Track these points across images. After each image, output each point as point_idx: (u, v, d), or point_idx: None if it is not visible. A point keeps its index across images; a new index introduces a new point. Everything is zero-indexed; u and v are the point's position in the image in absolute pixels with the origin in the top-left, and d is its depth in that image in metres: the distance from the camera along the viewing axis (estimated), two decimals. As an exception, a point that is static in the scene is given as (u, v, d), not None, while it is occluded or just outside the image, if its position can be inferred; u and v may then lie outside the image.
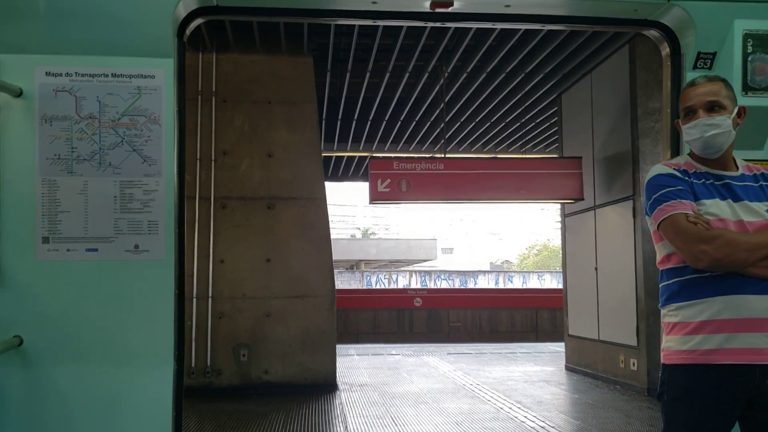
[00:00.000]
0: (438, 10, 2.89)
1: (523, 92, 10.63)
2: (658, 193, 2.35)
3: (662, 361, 2.41)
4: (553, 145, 14.15)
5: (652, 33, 3.12)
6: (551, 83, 10.24)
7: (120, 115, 2.75)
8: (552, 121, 12.45)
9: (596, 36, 8.49)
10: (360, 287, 29.53)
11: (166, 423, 2.75)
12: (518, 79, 10.06)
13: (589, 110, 9.60)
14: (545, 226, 52.93)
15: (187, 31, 2.86)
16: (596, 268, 9.37)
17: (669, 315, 2.39)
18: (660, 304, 2.46)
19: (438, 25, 3.12)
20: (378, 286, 32.45)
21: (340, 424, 6.79)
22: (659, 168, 2.44)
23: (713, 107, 2.35)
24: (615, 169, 8.86)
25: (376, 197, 9.11)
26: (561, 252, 11.12)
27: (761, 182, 2.40)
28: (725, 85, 2.40)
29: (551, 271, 38.21)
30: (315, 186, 8.79)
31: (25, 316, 2.69)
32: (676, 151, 3.06)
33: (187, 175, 2.90)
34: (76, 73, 2.73)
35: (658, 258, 2.46)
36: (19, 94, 2.70)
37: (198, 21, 2.88)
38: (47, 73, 2.72)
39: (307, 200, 8.71)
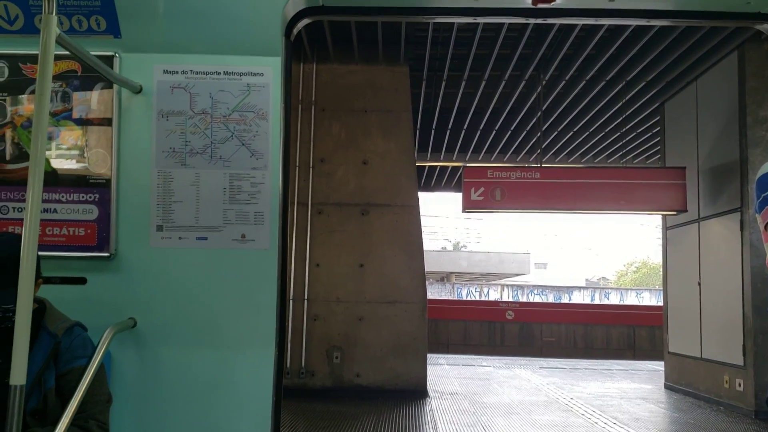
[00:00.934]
0: (540, 5, 2.86)
1: (623, 101, 10.35)
2: None
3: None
4: (654, 155, 13.67)
5: (767, 27, 2.98)
6: (653, 92, 9.93)
7: (230, 111, 2.88)
8: (654, 131, 12.04)
9: (702, 42, 8.19)
10: (450, 298, 29.38)
11: (266, 407, 2.83)
12: (618, 87, 9.81)
13: (693, 119, 9.25)
14: (645, 243, 51.09)
15: (294, 31, 2.97)
16: (699, 283, 8.97)
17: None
18: (769, 306, 2.36)
19: (539, 21, 3.08)
20: (468, 299, 32.20)
21: (431, 430, 6.78)
22: None
23: None
24: (721, 180, 8.49)
25: (469, 205, 9.08)
26: (662, 267, 10.72)
27: None
28: None
29: (650, 289, 36.78)
30: (409, 194, 8.88)
31: (139, 299, 2.84)
32: (790, 157, 2.91)
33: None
34: (191, 70, 2.89)
35: (768, 258, 2.35)
36: (139, 90, 2.89)
37: (305, 21, 2.99)
38: (165, 71, 2.90)
39: (401, 207, 8.80)
